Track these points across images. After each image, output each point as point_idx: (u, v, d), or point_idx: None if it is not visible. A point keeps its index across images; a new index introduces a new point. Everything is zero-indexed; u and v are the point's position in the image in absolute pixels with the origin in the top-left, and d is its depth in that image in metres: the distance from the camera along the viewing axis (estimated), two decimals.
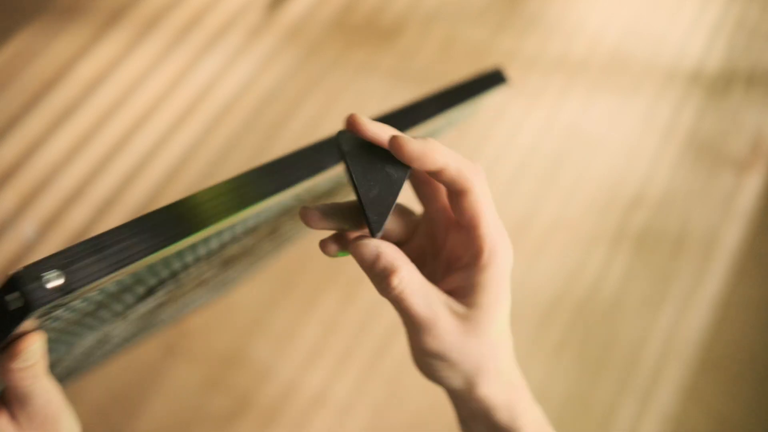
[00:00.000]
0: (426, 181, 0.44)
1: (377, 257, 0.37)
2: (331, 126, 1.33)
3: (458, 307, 0.39)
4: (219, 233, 0.46)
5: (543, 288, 1.25)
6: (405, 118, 0.49)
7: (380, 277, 0.38)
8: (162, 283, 0.50)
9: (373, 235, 0.37)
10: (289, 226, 0.69)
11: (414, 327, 0.39)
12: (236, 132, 1.31)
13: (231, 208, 0.38)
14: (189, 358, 1.10)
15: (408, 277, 0.38)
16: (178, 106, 1.31)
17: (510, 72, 1.48)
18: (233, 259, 0.65)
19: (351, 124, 0.37)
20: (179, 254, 0.44)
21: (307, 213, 0.39)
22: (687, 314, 1.26)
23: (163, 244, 0.35)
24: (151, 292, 0.51)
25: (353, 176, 0.36)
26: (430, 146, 0.37)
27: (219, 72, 1.36)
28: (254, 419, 1.07)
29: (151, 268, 0.44)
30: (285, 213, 0.55)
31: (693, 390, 1.19)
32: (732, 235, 1.35)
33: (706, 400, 1.19)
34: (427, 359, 0.40)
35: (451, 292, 0.40)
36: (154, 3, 1.41)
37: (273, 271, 1.18)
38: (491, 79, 0.56)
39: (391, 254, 0.37)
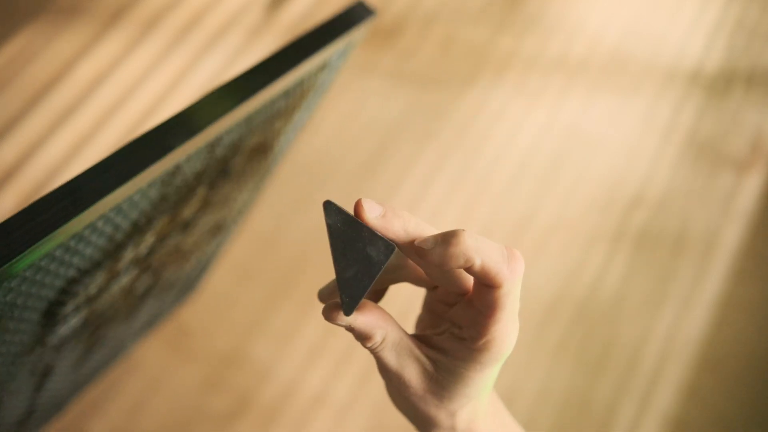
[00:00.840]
0: None
1: (351, 329, 0.38)
2: (331, 126, 1.34)
3: (430, 367, 0.40)
4: (78, 239, 0.42)
5: (543, 288, 1.25)
6: (277, 64, 0.46)
7: (358, 338, 0.39)
8: (57, 303, 0.47)
9: (345, 314, 0.37)
10: (202, 216, 0.65)
11: (382, 374, 0.41)
12: None
13: (73, 210, 0.36)
14: (189, 358, 1.10)
15: (380, 340, 0.39)
16: (179, 107, 1.31)
17: (510, 72, 1.48)
18: (152, 261, 0.61)
19: (357, 210, 0.35)
20: (40, 270, 0.41)
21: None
22: (687, 314, 1.26)
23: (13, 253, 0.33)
24: (50, 315, 0.48)
25: (332, 253, 0.35)
26: (454, 250, 0.34)
27: (219, 72, 1.36)
28: (254, 419, 1.07)
29: (13, 291, 0.40)
30: (171, 203, 0.52)
31: (693, 390, 1.19)
32: (732, 235, 1.35)
33: (706, 400, 1.19)
34: (393, 391, 0.42)
35: (436, 351, 0.40)
36: (154, 3, 1.41)
37: (273, 271, 1.18)
38: (357, 14, 0.53)
39: (363, 324, 0.38)
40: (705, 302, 1.27)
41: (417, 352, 0.40)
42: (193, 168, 0.49)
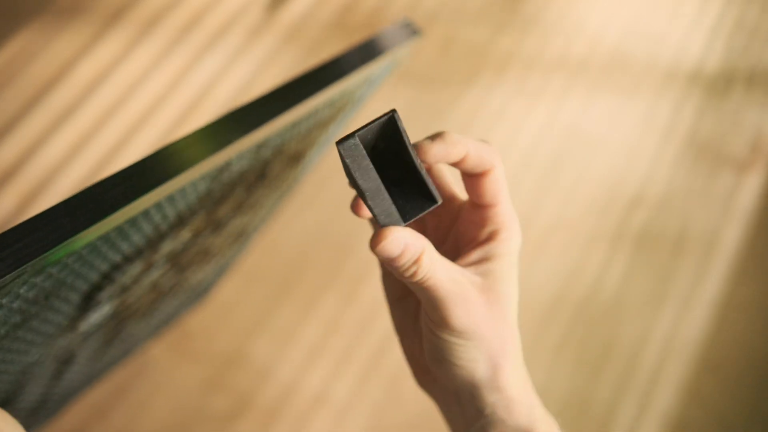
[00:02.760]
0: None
1: (402, 252, 0.36)
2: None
3: (479, 280, 0.39)
4: (131, 223, 0.43)
5: (543, 288, 1.25)
6: (318, 78, 0.47)
7: (404, 268, 0.36)
8: (97, 287, 0.48)
9: (403, 220, 0.36)
10: (236, 218, 0.66)
11: (441, 305, 0.38)
12: None
13: (127, 197, 0.36)
14: (189, 358, 1.10)
15: (430, 258, 0.37)
16: (178, 107, 1.31)
17: (510, 72, 1.48)
18: (182, 258, 0.62)
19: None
20: (94, 249, 0.42)
21: (357, 204, 0.41)
22: (687, 314, 1.26)
23: (59, 239, 0.34)
24: (89, 298, 0.49)
25: (411, 151, 0.35)
26: (449, 139, 0.37)
27: (219, 72, 1.36)
28: (254, 419, 1.07)
29: (67, 268, 0.41)
30: (213, 200, 0.52)
31: (693, 390, 1.19)
32: (732, 235, 1.35)
33: (707, 400, 1.19)
34: (450, 344, 0.39)
35: (471, 267, 0.40)
36: (154, 3, 1.41)
37: (273, 271, 1.18)
38: (404, 33, 0.54)
39: (414, 243, 0.36)
40: (705, 302, 1.27)
41: (463, 270, 0.39)
42: (240, 167, 0.49)
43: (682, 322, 1.25)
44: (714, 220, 1.36)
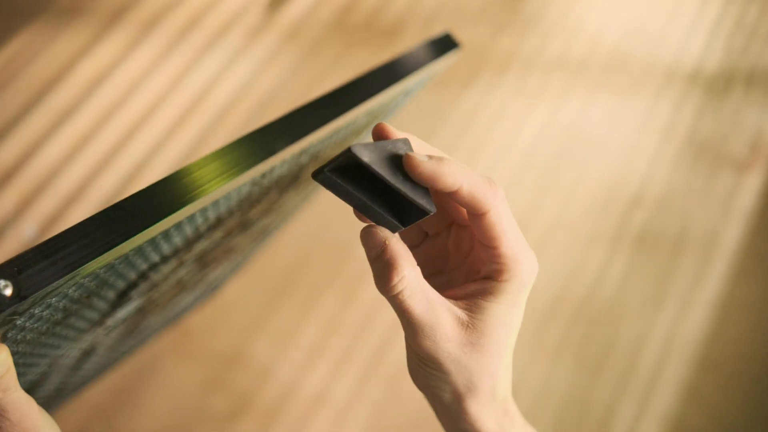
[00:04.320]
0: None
1: (383, 249, 0.36)
2: None
3: (463, 315, 0.38)
4: (179, 228, 0.44)
5: (543, 288, 1.25)
6: (357, 91, 0.47)
7: (382, 273, 0.37)
8: (133, 285, 0.49)
9: (396, 228, 0.37)
10: (263, 218, 0.67)
11: (411, 329, 0.38)
12: (237, 132, 1.31)
13: (181, 201, 0.37)
14: (189, 358, 1.10)
15: (409, 277, 0.37)
16: (179, 107, 1.31)
17: (510, 72, 1.48)
18: (209, 256, 0.63)
19: (379, 130, 0.37)
20: (139, 252, 0.43)
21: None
22: (687, 314, 1.26)
23: (114, 242, 0.34)
24: (123, 295, 0.50)
25: (383, 175, 0.36)
26: (444, 168, 0.36)
27: (219, 72, 1.36)
28: (254, 419, 1.07)
29: (113, 269, 0.42)
30: (249, 202, 0.53)
31: (693, 390, 1.19)
32: (732, 235, 1.35)
33: (706, 400, 1.19)
34: (421, 365, 0.39)
35: (463, 300, 0.39)
36: (154, 3, 1.41)
37: (273, 271, 1.18)
38: (442, 45, 0.55)
39: (397, 250, 0.37)
40: (705, 302, 1.27)
41: (444, 300, 0.39)
42: (281, 171, 0.50)
43: (682, 322, 1.25)
44: (714, 220, 1.36)
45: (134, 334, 0.75)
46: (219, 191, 0.39)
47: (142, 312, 0.61)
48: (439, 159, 0.37)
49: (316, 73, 1.40)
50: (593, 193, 1.36)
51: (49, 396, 0.69)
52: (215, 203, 0.44)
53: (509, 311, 0.39)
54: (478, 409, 0.40)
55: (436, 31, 1.50)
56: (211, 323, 1.13)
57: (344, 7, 1.49)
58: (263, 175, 0.47)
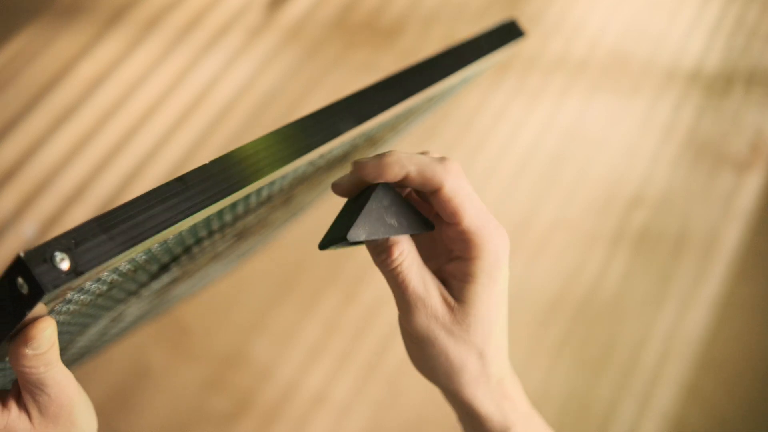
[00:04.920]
0: None
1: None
2: None
3: (448, 295, 0.39)
4: (233, 205, 0.44)
5: (543, 288, 1.25)
6: (420, 76, 0.47)
7: (381, 248, 0.38)
8: (176, 259, 0.49)
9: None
10: (302, 195, 0.66)
11: (406, 303, 0.39)
12: (237, 132, 1.31)
13: (246, 177, 0.37)
14: (189, 358, 1.10)
15: (408, 251, 0.38)
16: (179, 106, 1.31)
17: (510, 72, 1.48)
18: (247, 230, 0.62)
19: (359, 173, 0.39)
20: (192, 228, 0.42)
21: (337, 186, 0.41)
22: (687, 314, 1.26)
23: (174, 219, 0.33)
24: (165, 268, 0.49)
25: (380, 237, 0.39)
26: (386, 160, 0.38)
27: (219, 72, 1.36)
28: (254, 419, 1.07)
29: (165, 245, 0.41)
30: (300, 180, 0.53)
31: (693, 390, 1.19)
32: (732, 235, 1.35)
33: (706, 399, 1.19)
34: (417, 348, 0.40)
35: (445, 282, 0.40)
36: (155, 3, 1.41)
37: (273, 271, 1.18)
38: (507, 33, 0.54)
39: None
40: (705, 302, 1.27)
41: (435, 279, 0.39)
42: (336, 152, 0.49)
43: (682, 321, 1.25)
44: (714, 220, 1.36)
45: (161, 302, 0.75)
46: (280, 171, 0.39)
47: (174, 282, 0.61)
48: (382, 154, 0.38)
49: (316, 73, 1.40)
50: (593, 193, 1.36)
51: (72, 360, 0.68)
52: (271, 183, 0.44)
53: (487, 290, 0.39)
54: (473, 390, 0.40)
55: (436, 31, 1.50)
56: (211, 323, 1.13)
57: (344, 7, 1.49)
58: (321, 156, 0.46)
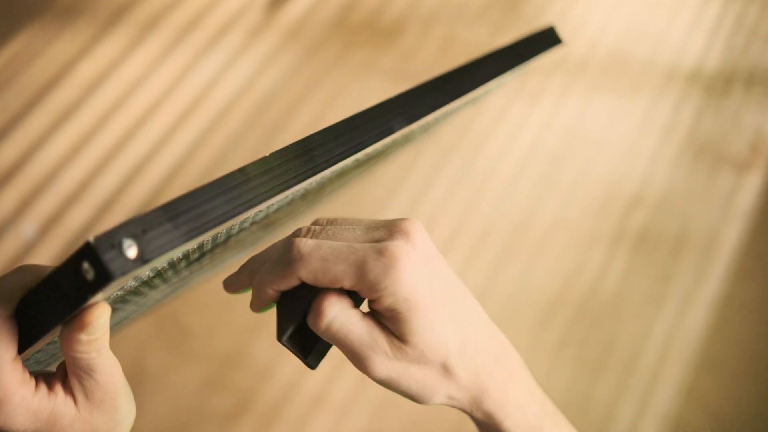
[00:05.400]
0: None
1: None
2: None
3: (392, 330, 0.38)
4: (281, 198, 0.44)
5: (543, 288, 1.25)
6: (463, 81, 0.47)
7: (314, 312, 0.37)
8: (213, 247, 0.48)
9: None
10: (335, 187, 0.66)
11: (358, 357, 0.37)
12: (237, 132, 1.31)
13: (304, 172, 0.36)
14: (189, 358, 1.10)
15: (339, 308, 0.37)
16: (179, 106, 1.32)
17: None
18: (276, 221, 0.62)
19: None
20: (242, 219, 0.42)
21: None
22: (687, 314, 1.26)
23: (237, 211, 0.33)
24: (201, 256, 0.49)
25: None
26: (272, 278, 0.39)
27: (219, 72, 1.37)
28: (254, 419, 1.07)
29: (216, 235, 0.41)
30: (338, 176, 0.52)
31: (693, 390, 1.19)
32: (732, 234, 1.35)
33: (706, 399, 1.19)
34: (387, 386, 0.39)
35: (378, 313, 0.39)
36: (155, 3, 1.41)
37: None
38: (546, 40, 0.54)
39: (323, 298, 0.37)
40: (704, 302, 1.27)
41: (372, 318, 0.38)
42: (380, 148, 0.49)
43: (682, 321, 1.25)
44: (714, 220, 1.36)
45: (178, 288, 0.75)
46: (335, 167, 0.39)
47: (199, 268, 0.61)
48: (310, 253, 0.37)
49: (316, 73, 1.40)
50: (593, 193, 1.36)
51: None
52: (322, 178, 0.44)
53: (422, 303, 0.37)
54: (446, 390, 0.39)
55: (436, 31, 1.50)
56: (211, 323, 1.13)
57: (344, 7, 1.49)
58: (366, 154, 0.46)
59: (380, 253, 0.36)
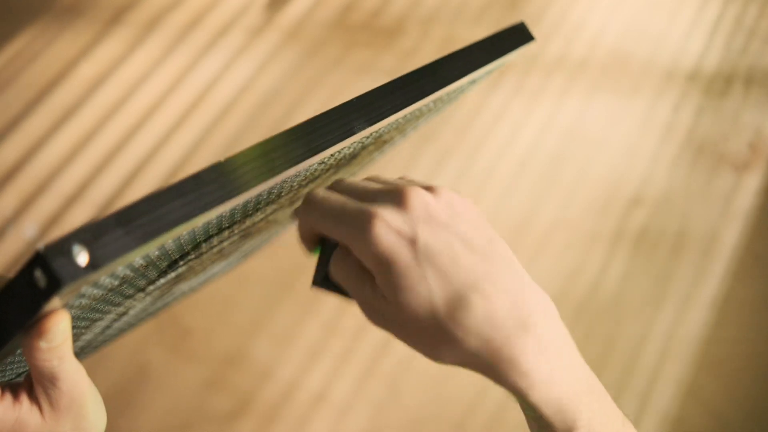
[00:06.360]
0: None
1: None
2: None
3: (380, 286, 0.41)
4: (245, 203, 0.44)
5: (543, 287, 1.25)
6: (431, 79, 0.48)
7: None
8: (186, 255, 0.49)
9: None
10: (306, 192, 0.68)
11: (359, 307, 0.41)
12: (237, 132, 1.31)
13: (262, 174, 0.37)
14: (189, 358, 1.10)
15: (337, 262, 0.42)
16: (179, 106, 1.32)
17: (510, 72, 1.48)
18: (254, 229, 0.62)
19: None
20: (205, 226, 0.42)
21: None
22: (687, 314, 1.26)
23: (193, 214, 0.33)
24: (174, 265, 0.49)
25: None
26: (298, 222, 0.40)
27: (220, 72, 1.37)
28: (254, 419, 1.07)
29: (178, 241, 0.41)
30: (310, 179, 0.53)
31: (692, 389, 1.19)
32: (731, 234, 1.35)
33: (706, 399, 1.19)
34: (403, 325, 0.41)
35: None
36: (155, 3, 1.41)
37: (273, 271, 1.19)
38: (516, 37, 0.54)
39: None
40: (704, 302, 1.27)
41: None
42: (345, 152, 0.50)
43: (681, 321, 1.26)
44: (714, 220, 1.36)
45: (164, 299, 0.75)
46: (293, 170, 0.39)
47: (178, 279, 0.61)
48: (300, 206, 0.40)
49: (316, 73, 1.40)
50: (593, 193, 1.36)
51: (75, 354, 0.69)
52: (284, 180, 0.44)
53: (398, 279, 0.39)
54: (449, 352, 0.40)
55: (436, 31, 1.50)
56: (211, 323, 1.13)
57: (344, 7, 1.49)
58: (332, 155, 0.47)
59: (360, 213, 0.38)
